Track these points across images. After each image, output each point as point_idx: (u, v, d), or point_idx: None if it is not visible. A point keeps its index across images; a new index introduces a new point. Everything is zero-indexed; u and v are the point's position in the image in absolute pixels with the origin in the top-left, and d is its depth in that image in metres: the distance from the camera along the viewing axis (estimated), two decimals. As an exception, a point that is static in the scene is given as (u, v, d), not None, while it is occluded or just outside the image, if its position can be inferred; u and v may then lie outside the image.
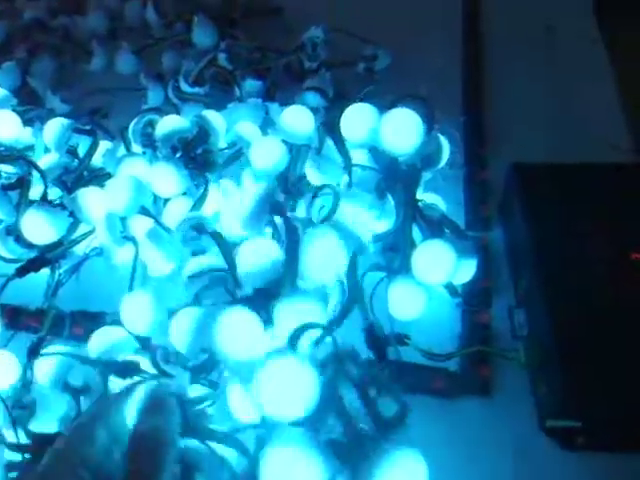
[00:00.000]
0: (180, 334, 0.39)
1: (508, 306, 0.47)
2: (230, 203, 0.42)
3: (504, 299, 0.48)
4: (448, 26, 0.75)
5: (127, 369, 0.39)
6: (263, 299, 0.37)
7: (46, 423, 0.40)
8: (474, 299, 0.47)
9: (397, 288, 0.44)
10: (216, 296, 0.41)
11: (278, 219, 0.41)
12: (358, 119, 0.46)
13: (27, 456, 0.37)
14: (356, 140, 0.46)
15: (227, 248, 0.42)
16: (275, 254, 0.38)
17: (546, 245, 0.46)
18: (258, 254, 0.38)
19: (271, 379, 0.31)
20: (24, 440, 0.38)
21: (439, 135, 0.48)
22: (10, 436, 0.38)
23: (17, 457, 0.38)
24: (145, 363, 0.39)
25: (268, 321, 0.36)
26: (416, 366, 0.44)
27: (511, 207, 0.51)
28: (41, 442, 0.37)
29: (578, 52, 0.70)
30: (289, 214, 0.43)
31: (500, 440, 0.42)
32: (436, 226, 0.45)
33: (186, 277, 0.43)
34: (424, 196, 0.49)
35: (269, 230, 0.43)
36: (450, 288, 0.46)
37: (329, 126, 0.45)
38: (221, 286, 0.41)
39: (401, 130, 0.43)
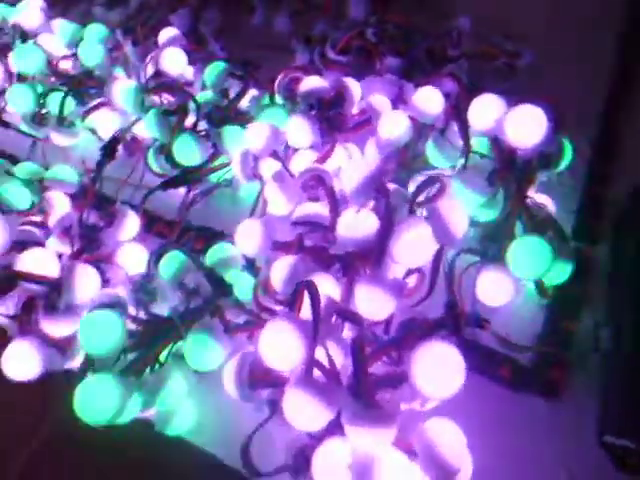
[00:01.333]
0: (278, 275, 0.43)
1: (594, 320, 0.47)
2: (350, 166, 0.45)
3: (592, 314, 0.48)
4: (603, 31, 0.72)
5: (223, 287, 0.45)
6: (351, 262, 0.41)
7: (160, 310, 0.48)
8: (564, 304, 0.48)
9: (488, 274, 0.46)
10: (315, 240, 0.46)
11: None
12: (486, 108, 0.48)
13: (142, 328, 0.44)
14: (480, 128, 0.48)
15: (335, 204, 0.46)
16: (371, 228, 0.41)
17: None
18: (356, 223, 0.42)
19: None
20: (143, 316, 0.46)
21: (563, 140, 0.49)
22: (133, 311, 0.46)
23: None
24: (247, 281, 0.46)
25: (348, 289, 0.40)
26: (489, 349, 0.46)
27: (627, 227, 0.50)
28: (158, 321, 0.44)
29: None
30: (394, 190, 0.45)
31: (556, 445, 0.43)
32: (539, 225, 0.46)
33: (291, 222, 0.48)
34: (535, 196, 0.50)
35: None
36: (540, 287, 0.47)
37: (457, 109, 0.48)
38: (320, 233, 0.45)
39: (524, 124, 0.45)
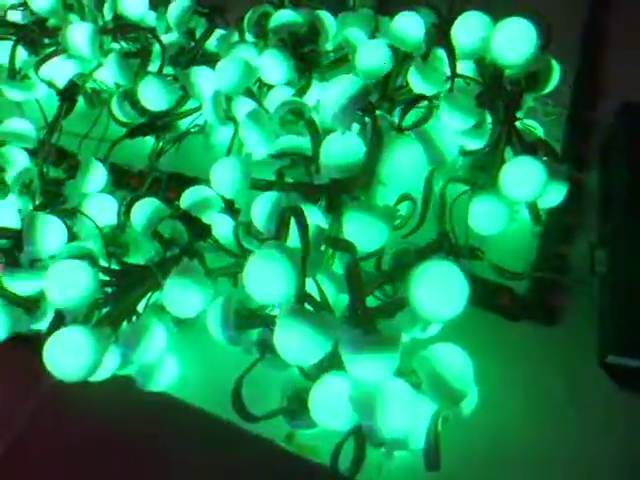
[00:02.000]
0: (259, 213, 0.41)
1: (589, 243, 0.46)
2: (331, 89, 0.42)
3: (586, 238, 0.47)
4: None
5: (200, 230, 0.42)
6: (337, 191, 0.38)
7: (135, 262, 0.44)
8: (557, 231, 0.46)
9: (480, 202, 0.44)
10: (294, 175, 0.43)
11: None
12: (469, 26, 0.45)
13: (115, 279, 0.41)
14: (465, 48, 0.46)
15: (317, 134, 0.43)
16: (357, 151, 0.38)
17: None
18: (340, 147, 0.39)
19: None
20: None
21: (551, 58, 0.46)
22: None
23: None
24: (225, 222, 0.43)
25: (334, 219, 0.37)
26: (485, 280, 0.44)
27: (615, 146, 0.49)
28: (132, 270, 0.41)
29: None
30: (381, 115, 0.43)
31: (558, 369, 0.42)
32: (531, 148, 0.44)
33: (270, 155, 0.45)
34: (523, 121, 0.48)
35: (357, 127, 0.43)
36: (534, 212, 0.45)
37: (440, 31, 0.45)
38: (302, 167, 0.42)
39: (513, 39, 0.42)
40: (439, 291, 0.30)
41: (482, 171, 0.46)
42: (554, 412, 0.40)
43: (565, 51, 0.57)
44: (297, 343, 0.30)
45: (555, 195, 0.43)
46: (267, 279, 0.31)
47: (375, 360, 0.29)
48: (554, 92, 0.50)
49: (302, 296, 0.31)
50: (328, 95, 0.38)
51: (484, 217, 0.44)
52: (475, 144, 0.46)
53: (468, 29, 0.45)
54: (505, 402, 0.40)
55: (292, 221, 0.33)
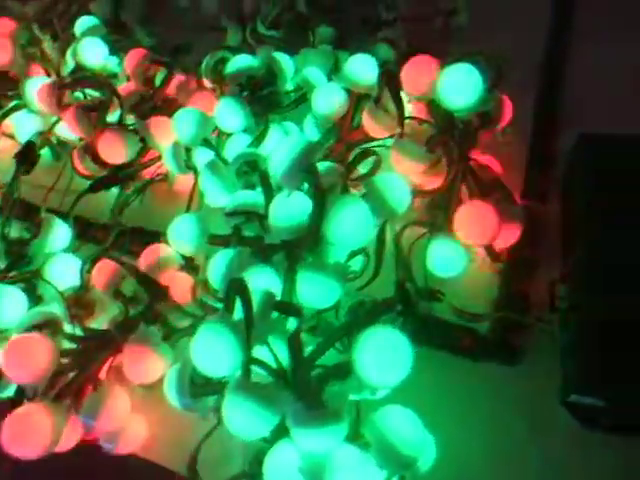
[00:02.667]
0: (215, 273, 0.40)
1: (550, 278, 0.46)
2: (279, 147, 0.42)
3: (547, 273, 0.47)
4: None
5: (159, 292, 0.42)
6: (287, 251, 0.38)
7: (98, 323, 0.45)
8: (517, 268, 0.47)
9: (438, 244, 0.44)
10: (252, 230, 0.43)
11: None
12: (418, 71, 0.45)
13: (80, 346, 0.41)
14: (415, 92, 0.46)
15: (270, 190, 0.43)
16: (303, 212, 0.38)
17: (605, 224, 0.44)
18: (287, 209, 0.39)
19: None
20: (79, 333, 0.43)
21: (502, 96, 0.47)
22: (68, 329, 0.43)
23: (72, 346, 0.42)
24: (188, 280, 0.43)
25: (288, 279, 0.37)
26: (446, 322, 0.44)
27: (573, 178, 0.49)
28: (93, 336, 0.42)
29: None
30: (328, 167, 0.42)
31: (520, 409, 0.42)
32: (486, 187, 0.44)
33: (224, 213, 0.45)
34: (480, 157, 0.48)
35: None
36: (491, 252, 0.45)
37: (389, 76, 0.45)
38: (256, 223, 0.43)
39: (459, 84, 0.43)
40: (381, 360, 0.30)
41: (439, 210, 0.46)
42: (516, 451, 0.41)
43: (525, 82, 0.58)
44: (243, 418, 0.30)
45: (510, 235, 0.44)
46: (212, 353, 0.31)
47: (321, 433, 0.30)
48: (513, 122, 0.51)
49: (247, 368, 0.31)
50: (274, 156, 0.39)
51: (442, 259, 0.44)
52: (431, 183, 0.47)
53: (416, 73, 0.45)
54: (466, 444, 0.40)
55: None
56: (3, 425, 0.35)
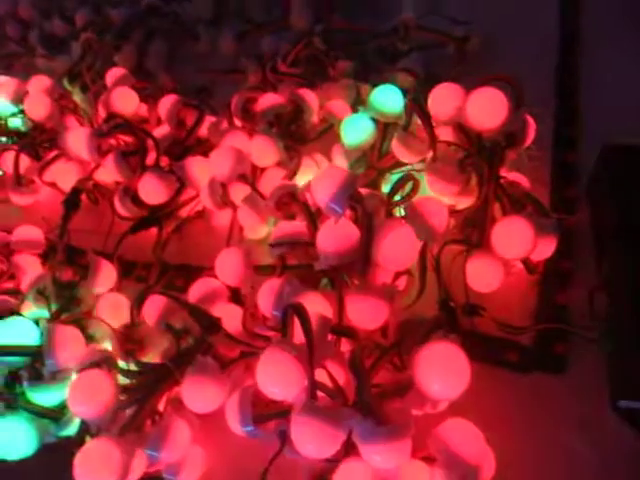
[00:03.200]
0: (265, 300, 0.42)
1: (589, 288, 0.47)
2: (319, 178, 0.44)
3: (586, 281, 0.48)
4: (545, 7, 0.73)
5: (211, 323, 0.43)
6: (337, 276, 0.40)
7: (151, 357, 0.46)
8: (554, 278, 0.48)
9: (475, 261, 0.45)
10: (299, 257, 0.45)
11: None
12: (444, 97, 0.47)
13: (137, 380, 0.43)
14: (443, 117, 0.48)
15: (312, 219, 0.45)
16: (351, 238, 0.40)
17: (633, 230, 0.45)
18: (335, 235, 0.40)
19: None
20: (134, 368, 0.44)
21: (525, 115, 0.48)
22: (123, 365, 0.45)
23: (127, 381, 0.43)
24: (237, 311, 0.44)
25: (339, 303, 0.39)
26: (490, 337, 0.45)
27: (600, 189, 0.51)
28: (150, 371, 0.43)
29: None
30: (369, 194, 0.44)
31: (571, 417, 0.42)
32: (517, 203, 0.46)
33: (269, 244, 0.46)
34: (508, 174, 0.49)
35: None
36: (528, 265, 0.47)
37: (416, 103, 0.47)
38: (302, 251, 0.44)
39: (485, 108, 0.44)
40: (442, 373, 0.31)
41: (475, 227, 0.48)
42: (568, 460, 0.41)
43: (543, 98, 0.60)
44: (312, 438, 0.31)
45: (546, 248, 0.45)
46: (277, 378, 0.33)
47: (389, 449, 0.30)
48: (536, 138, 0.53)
49: (313, 390, 0.32)
50: (316, 187, 0.40)
51: (481, 275, 0.45)
52: (465, 202, 0.48)
53: (443, 100, 0.47)
54: (525, 456, 0.41)
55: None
56: (75, 461, 0.36)
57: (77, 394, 0.39)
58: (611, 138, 0.51)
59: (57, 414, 0.43)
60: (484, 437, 0.34)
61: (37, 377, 0.43)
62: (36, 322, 0.47)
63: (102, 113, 0.66)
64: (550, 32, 0.70)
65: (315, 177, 0.42)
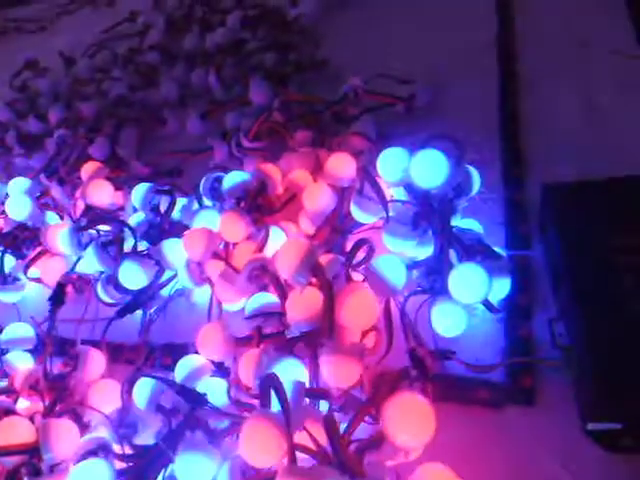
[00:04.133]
0: (245, 371, 0.45)
1: (548, 319, 0.50)
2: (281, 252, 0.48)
3: (545, 312, 0.51)
4: (482, 51, 0.79)
5: (197, 399, 0.46)
6: (308, 341, 0.43)
7: (145, 438, 0.48)
8: (514, 313, 0.51)
9: (439, 308, 0.48)
10: (273, 325, 0.48)
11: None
12: (391, 162, 0.52)
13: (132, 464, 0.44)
14: (392, 179, 0.52)
15: (282, 290, 0.48)
16: (317, 304, 0.43)
17: (580, 260, 0.49)
18: (301, 304, 0.44)
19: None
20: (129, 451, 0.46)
21: (468, 167, 0.53)
22: (118, 449, 0.47)
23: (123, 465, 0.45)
24: (221, 384, 0.47)
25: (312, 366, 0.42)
26: (461, 378, 0.48)
27: (545, 225, 0.54)
28: (144, 453, 0.45)
29: (613, 67, 0.72)
30: (331, 260, 0.48)
31: (547, 445, 0.45)
32: (470, 249, 0.49)
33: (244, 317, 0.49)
34: (461, 222, 0.53)
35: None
36: (488, 305, 0.50)
37: (364, 170, 0.52)
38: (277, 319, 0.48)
39: (428, 169, 0.49)
40: (407, 423, 0.34)
41: (436, 274, 0.51)
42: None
43: (489, 141, 0.65)
44: (297, 502, 0.33)
45: (502, 287, 0.48)
46: (258, 447, 0.35)
47: (368, 502, 0.33)
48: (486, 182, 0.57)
49: (292, 455, 0.35)
50: (281, 259, 0.44)
51: (447, 321, 0.48)
52: (423, 253, 0.52)
53: (390, 164, 0.52)
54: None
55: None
56: None
57: (76, 485, 0.41)
58: (555, 176, 0.56)
59: (59, 506, 0.45)
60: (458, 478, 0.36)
61: (36, 473, 0.45)
62: (30, 418, 0.49)
63: (80, 205, 0.70)
64: (490, 75, 0.76)
65: (278, 251, 0.45)
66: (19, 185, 0.73)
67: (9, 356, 0.57)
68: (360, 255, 0.46)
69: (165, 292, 0.60)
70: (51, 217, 0.72)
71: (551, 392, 0.47)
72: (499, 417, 0.46)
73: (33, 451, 0.45)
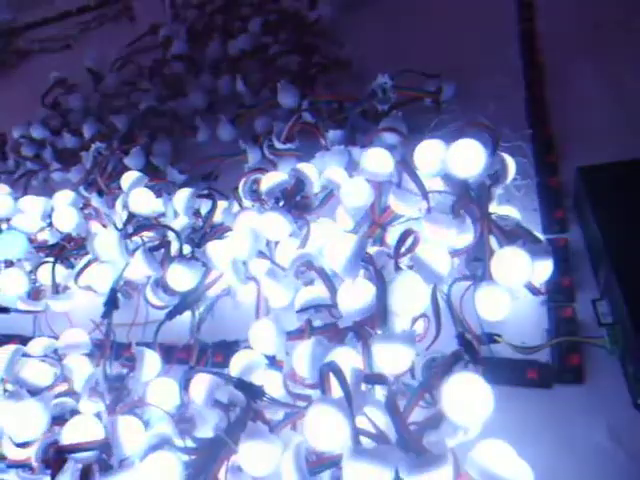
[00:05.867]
0: (300, 362, 0.47)
1: (591, 299, 0.51)
2: (333, 246, 0.49)
3: (588, 292, 0.52)
4: (506, 43, 0.80)
5: (256, 392, 0.48)
6: (361, 330, 0.44)
7: (204, 433, 0.50)
8: (558, 295, 0.52)
9: (483, 293, 0.50)
10: (323, 319, 0.49)
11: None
12: (428, 153, 0.53)
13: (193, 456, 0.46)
14: (429, 171, 0.53)
15: (330, 282, 0.50)
16: (368, 294, 0.45)
17: (617, 239, 0.50)
18: (353, 294, 0.46)
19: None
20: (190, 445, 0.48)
21: (503, 155, 0.54)
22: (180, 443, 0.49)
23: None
24: (274, 377, 0.49)
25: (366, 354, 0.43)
26: (510, 361, 0.49)
27: (582, 207, 0.55)
28: (206, 445, 0.47)
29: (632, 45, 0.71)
30: (379, 251, 0.50)
31: (598, 421, 0.45)
32: (510, 234, 0.51)
33: (296, 310, 0.51)
34: (498, 209, 0.54)
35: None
36: (531, 288, 0.51)
37: (403, 162, 0.53)
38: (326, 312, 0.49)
39: (465, 158, 0.50)
40: (467, 401, 0.35)
41: (478, 262, 0.52)
42: (602, 460, 0.44)
43: (519, 128, 0.66)
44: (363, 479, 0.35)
45: (544, 270, 0.49)
46: (323, 432, 0.37)
47: (431, 477, 0.34)
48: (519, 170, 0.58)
49: (357, 437, 0.36)
50: (331, 254, 0.46)
51: (491, 305, 0.49)
52: (464, 241, 0.53)
53: (427, 156, 0.53)
54: (559, 466, 0.43)
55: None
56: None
57: (148, 476, 0.43)
58: (588, 158, 0.57)
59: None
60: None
61: (106, 468, 0.47)
62: (97, 416, 0.51)
63: (121, 213, 0.72)
64: (514, 65, 0.77)
65: (329, 246, 0.47)
66: (64, 198, 0.76)
67: (68, 361, 0.60)
68: (406, 245, 0.47)
69: (211, 293, 0.62)
70: (95, 226, 0.74)
71: (599, 370, 0.48)
72: (549, 396, 0.47)
73: (103, 447, 0.47)
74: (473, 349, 0.46)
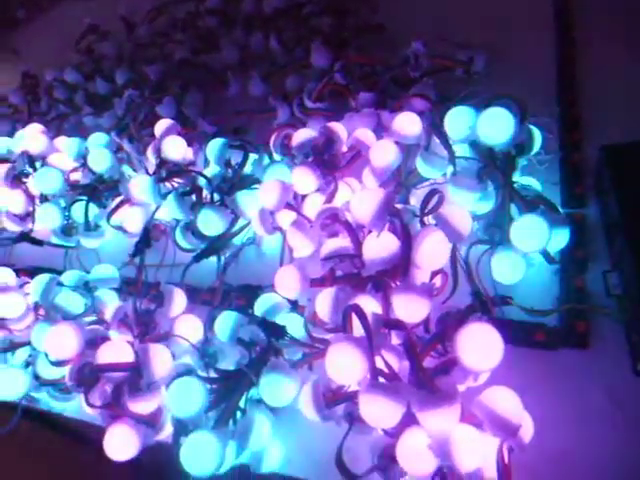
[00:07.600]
0: (323, 306, 0.49)
1: (603, 271, 0.53)
2: (361, 198, 0.52)
3: (599, 265, 0.54)
4: (539, 18, 0.80)
5: (278, 330, 0.51)
6: (382, 280, 0.47)
7: (225, 366, 0.53)
8: (570, 265, 0.54)
9: (499, 257, 0.52)
10: (345, 269, 0.52)
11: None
12: (458, 119, 0.55)
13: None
14: (457, 137, 0.55)
15: (355, 235, 0.52)
16: (393, 247, 0.47)
17: (635, 214, 0.51)
18: (379, 246, 0.48)
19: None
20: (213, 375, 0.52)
21: (530, 126, 0.55)
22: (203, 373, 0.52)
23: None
24: (295, 320, 0.52)
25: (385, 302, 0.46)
26: (519, 322, 0.52)
27: (603, 184, 0.57)
28: (229, 376, 0.50)
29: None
30: (403, 207, 0.52)
31: (598, 383, 0.48)
32: (531, 203, 0.53)
33: (321, 258, 0.54)
34: (521, 179, 0.56)
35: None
36: (546, 256, 0.53)
37: (434, 127, 0.55)
38: (348, 262, 0.52)
39: (494, 126, 0.52)
40: (480, 348, 0.38)
41: (497, 228, 0.54)
42: (600, 420, 0.47)
43: (547, 104, 0.67)
44: (378, 411, 0.38)
45: (560, 239, 0.51)
46: (343, 366, 0.40)
47: (442, 413, 0.37)
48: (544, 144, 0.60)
49: (375, 373, 0.39)
50: (357, 207, 0.48)
51: (505, 269, 0.52)
52: (485, 207, 0.55)
53: (456, 122, 0.55)
54: (559, 422, 0.47)
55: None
56: (183, 450, 0.44)
57: (175, 398, 0.47)
58: (606, 140, 0.58)
59: (154, 420, 0.51)
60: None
61: (136, 389, 0.51)
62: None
63: (152, 159, 0.75)
64: (547, 42, 0.77)
65: (357, 198, 0.49)
66: (99, 140, 0.78)
67: (99, 293, 0.63)
68: (431, 204, 0.50)
69: (238, 240, 0.65)
70: (127, 170, 0.77)
71: (603, 336, 0.50)
72: (554, 358, 0.50)
73: (134, 370, 0.51)
74: (487, 306, 0.49)
